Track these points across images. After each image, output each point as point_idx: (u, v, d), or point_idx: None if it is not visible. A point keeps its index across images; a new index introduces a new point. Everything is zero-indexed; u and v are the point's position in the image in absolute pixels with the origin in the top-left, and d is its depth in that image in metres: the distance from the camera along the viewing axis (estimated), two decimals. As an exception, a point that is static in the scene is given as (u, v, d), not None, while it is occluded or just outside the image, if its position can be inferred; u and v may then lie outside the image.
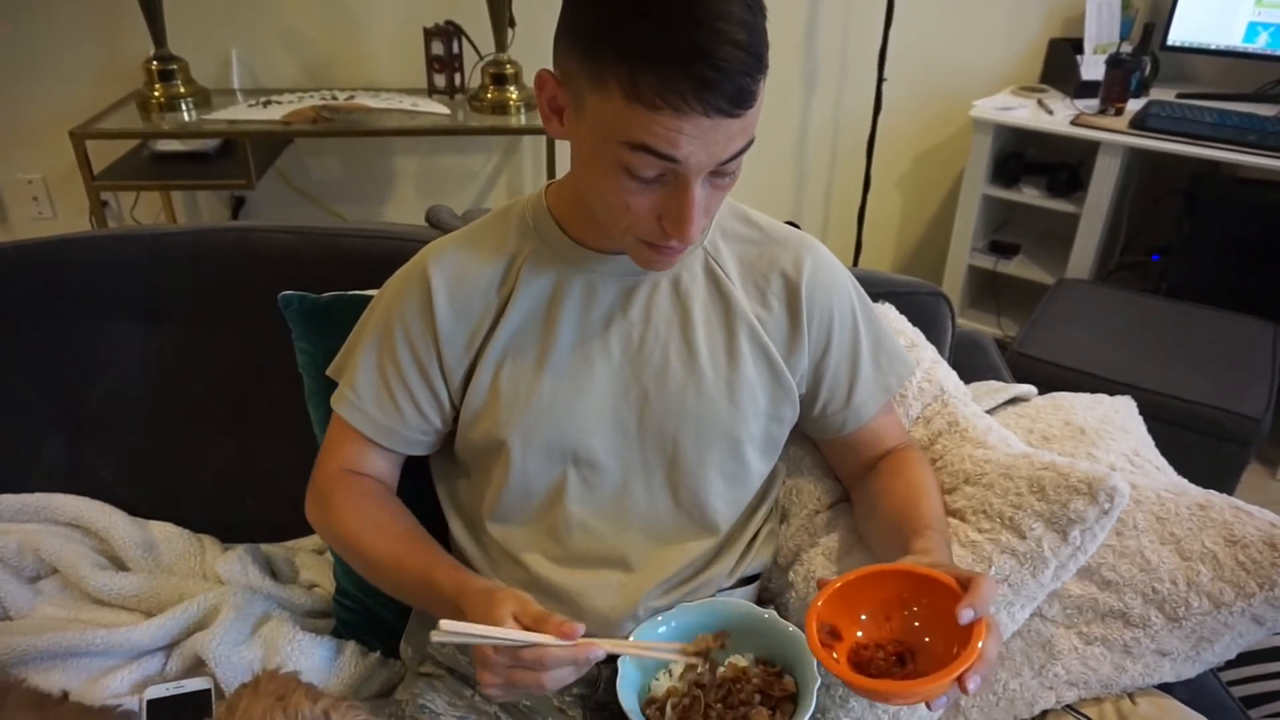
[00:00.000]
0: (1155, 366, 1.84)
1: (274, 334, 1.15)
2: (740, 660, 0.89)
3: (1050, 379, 1.53)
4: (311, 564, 1.26)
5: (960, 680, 0.68)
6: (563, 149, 2.23)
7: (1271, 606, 0.88)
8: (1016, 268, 2.52)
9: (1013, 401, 1.23)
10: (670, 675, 0.88)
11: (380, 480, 0.99)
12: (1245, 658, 0.97)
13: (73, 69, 2.48)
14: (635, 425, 0.92)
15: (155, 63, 2.26)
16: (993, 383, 1.27)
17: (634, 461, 0.93)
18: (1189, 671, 0.94)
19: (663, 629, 0.92)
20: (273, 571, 1.23)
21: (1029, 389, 1.25)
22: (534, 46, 2.33)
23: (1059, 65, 2.44)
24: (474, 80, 2.43)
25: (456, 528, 1.01)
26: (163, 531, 1.25)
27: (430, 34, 2.36)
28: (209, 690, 1.05)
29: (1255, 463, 2.20)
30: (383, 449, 0.97)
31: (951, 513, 0.97)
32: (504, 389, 0.92)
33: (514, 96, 2.31)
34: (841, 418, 0.99)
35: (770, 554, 1.04)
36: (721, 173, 0.77)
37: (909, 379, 1.08)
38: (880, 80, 2.38)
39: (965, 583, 0.72)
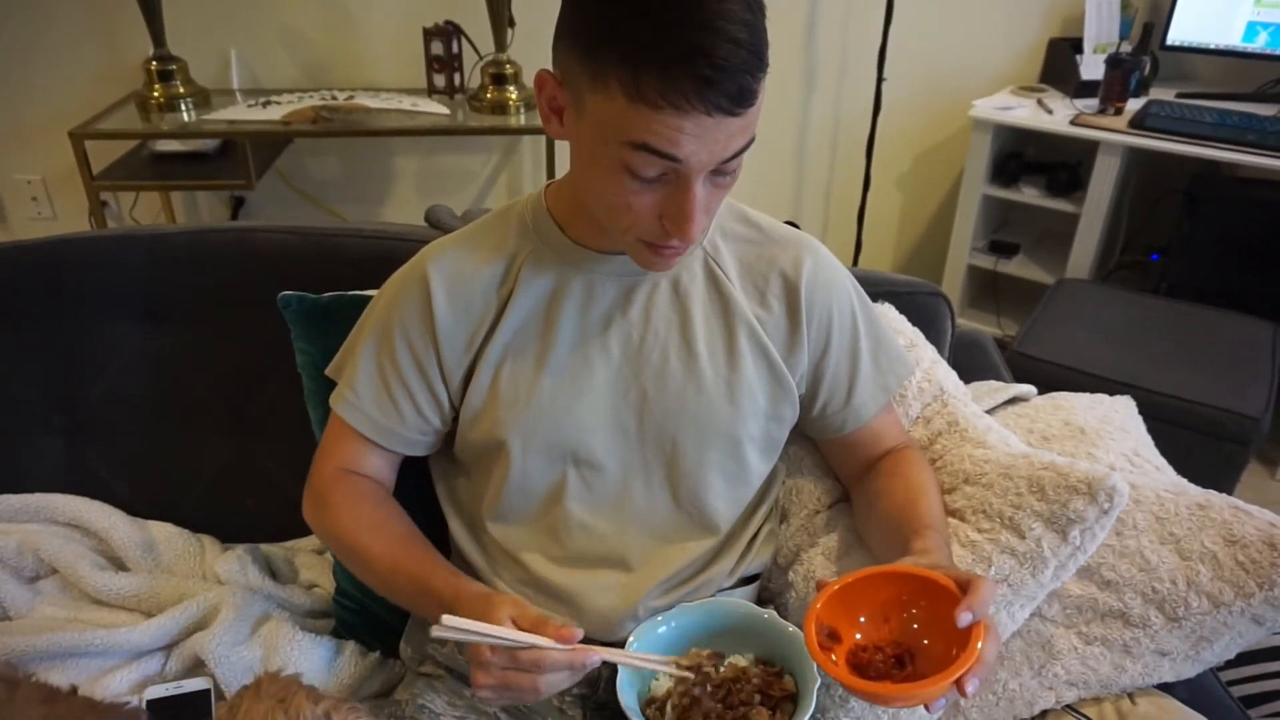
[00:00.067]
0: (1155, 366, 1.84)
1: (273, 334, 1.15)
2: (740, 660, 0.89)
3: (1050, 379, 1.53)
4: (311, 564, 1.26)
5: (959, 683, 0.68)
6: (562, 149, 2.23)
7: (1271, 606, 0.88)
8: (1016, 267, 2.52)
9: (1012, 401, 1.23)
10: (670, 676, 0.88)
11: (378, 481, 0.99)
12: (1245, 657, 0.97)
13: (72, 69, 2.48)
14: (635, 425, 0.92)
15: (154, 63, 2.26)
16: (992, 383, 1.27)
17: (634, 461, 0.93)
18: (1189, 671, 0.94)
19: (662, 629, 0.92)
20: (272, 572, 1.23)
21: (1028, 389, 1.25)
22: (534, 46, 2.33)
23: (1058, 65, 2.44)
24: (474, 80, 2.43)
25: (456, 528, 1.01)
26: (162, 531, 1.25)
27: (430, 34, 2.36)
28: (208, 690, 1.05)
29: (1255, 462, 2.20)
30: (381, 449, 0.97)
31: (951, 512, 0.97)
32: (503, 389, 0.92)
33: (514, 96, 2.31)
34: (841, 418, 0.99)
35: (770, 554, 1.04)
36: (722, 171, 0.77)
37: (908, 379, 1.08)
38: (880, 80, 2.38)
39: (964, 584, 0.72)
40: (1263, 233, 2.19)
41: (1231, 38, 2.25)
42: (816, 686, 0.83)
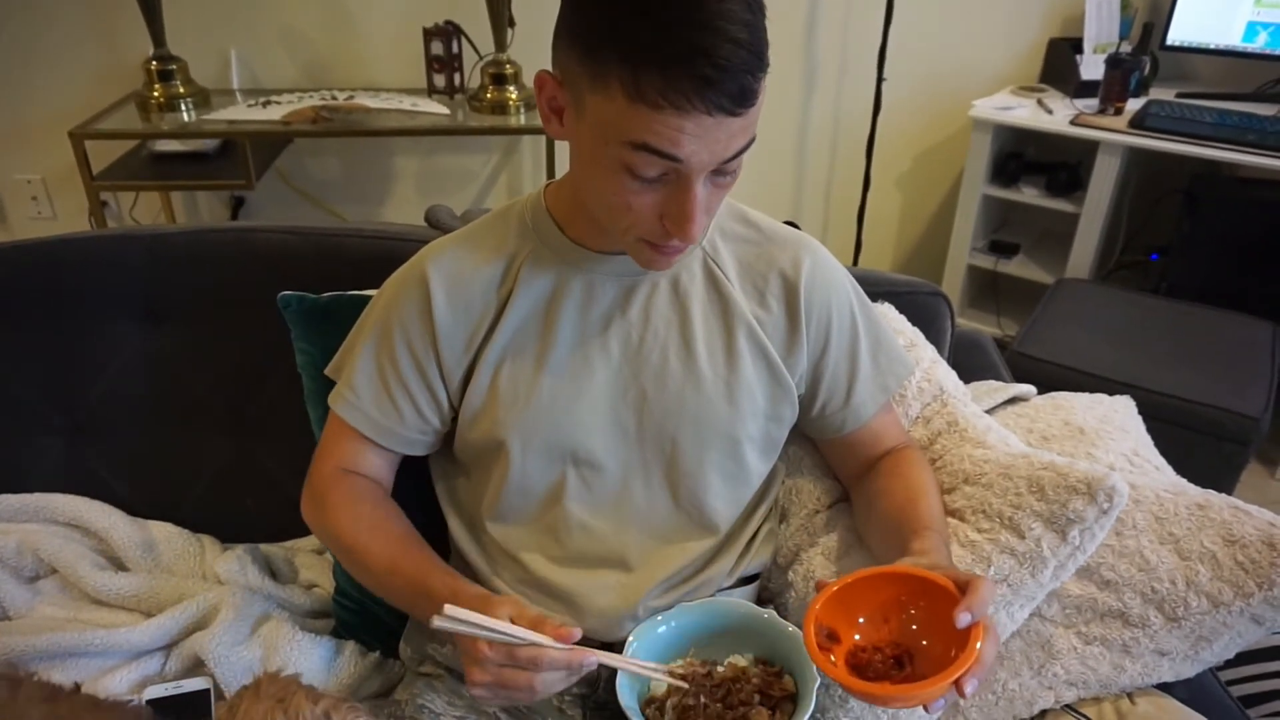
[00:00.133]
0: (1155, 366, 1.84)
1: (273, 334, 1.15)
2: (740, 660, 0.89)
3: (1050, 379, 1.53)
4: (311, 564, 1.26)
5: (957, 683, 0.68)
6: (562, 149, 2.23)
7: (1270, 606, 0.88)
8: (1016, 267, 2.52)
9: (1012, 401, 1.23)
10: (670, 676, 0.88)
11: (376, 481, 0.99)
12: (1244, 657, 0.97)
13: (72, 69, 2.48)
14: (634, 425, 0.92)
15: (154, 63, 2.26)
16: (992, 382, 1.27)
17: (633, 461, 0.93)
18: (1188, 671, 0.94)
19: (662, 629, 0.92)
20: (272, 572, 1.23)
21: (1028, 389, 1.25)
22: (534, 46, 2.33)
23: (1058, 65, 2.44)
24: (473, 80, 2.43)
25: (456, 527, 1.01)
26: (162, 531, 1.25)
27: (430, 34, 2.36)
28: (208, 690, 1.05)
29: (1254, 462, 2.20)
30: (380, 448, 0.97)
31: (951, 512, 0.97)
32: (503, 389, 0.92)
33: (513, 96, 2.31)
34: (840, 417, 0.99)
35: (770, 554, 1.04)
36: (723, 171, 0.77)
37: (908, 379, 1.08)
38: (880, 80, 2.38)
39: (963, 585, 0.72)
40: (1263, 233, 2.19)
41: (1231, 38, 2.25)
42: (816, 686, 0.83)
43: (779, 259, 0.95)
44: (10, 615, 1.15)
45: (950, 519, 0.96)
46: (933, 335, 1.19)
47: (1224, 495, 0.97)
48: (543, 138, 2.52)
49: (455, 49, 2.39)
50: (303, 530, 1.27)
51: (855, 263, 2.63)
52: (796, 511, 1.06)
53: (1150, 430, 1.19)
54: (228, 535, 1.29)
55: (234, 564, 1.18)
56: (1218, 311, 2.06)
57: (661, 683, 0.87)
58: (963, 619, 0.70)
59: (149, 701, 1.03)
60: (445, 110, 2.34)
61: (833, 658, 0.74)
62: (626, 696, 0.84)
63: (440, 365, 0.93)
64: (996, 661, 0.95)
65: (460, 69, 2.43)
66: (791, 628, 0.89)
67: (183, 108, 2.28)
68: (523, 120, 2.33)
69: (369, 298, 1.03)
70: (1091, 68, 2.32)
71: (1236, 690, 1.16)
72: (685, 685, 0.85)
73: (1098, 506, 0.88)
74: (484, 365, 0.92)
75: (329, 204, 2.75)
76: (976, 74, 2.55)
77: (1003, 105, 2.34)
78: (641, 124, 0.71)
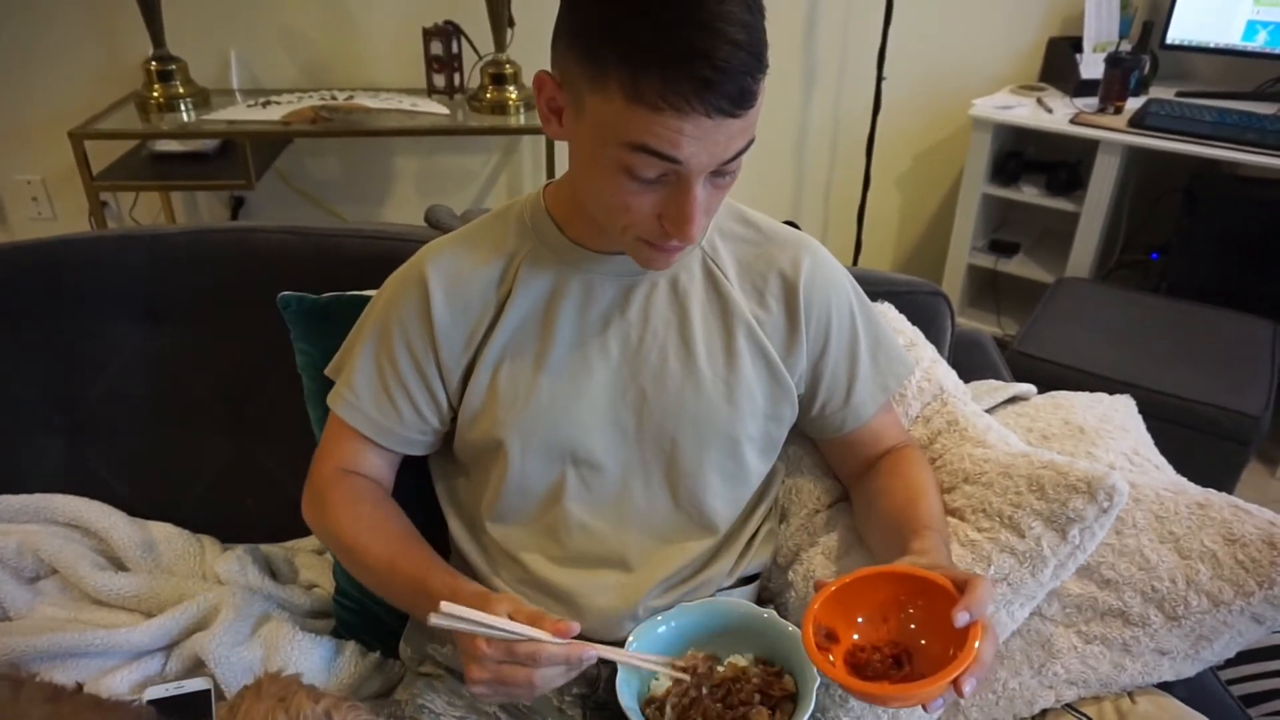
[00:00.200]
0: (1155, 365, 1.84)
1: (273, 334, 1.15)
2: (740, 660, 0.89)
3: (1050, 378, 1.53)
4: (311, 564, 1.26)
5: (956, 683, 0.68)
6: (562, 149, 2.23)
7: (1271, 605, 0.88)
8: (1016, 266, 2.52)
9: (1012, 400, 1.23)
10: (670, 676, 0.88)
11: (376, 481, 0.99)
12: (1244, 656, 0.97)
13: (72, 69, 2.48)
14: (633, 425, 0.92)
15: (154, 63, 2.26)
16: (992, 382, 1.27)
17: (633, 461, 0.93)
18: (1188, 670, 0.94)
19: (662, 629, 0.92)
20: (272, 572, 1.23)
21: (1028, 388, 1.25)
22: (533, 46, 2.33)
23: (1058, 64, 2.44)
24: (473, 80, 2.43)
25: (456, 528, 1.01)
26: (162, 532, 1.25)
27: (429, 34, 2.36)
28: (209, 691, 1.05)
29: (1255, 461, 2.20)
30: (380, 448, 0.97)
31: (951, 512, 0.97)
32: (502, 389, 0.92)
33: (513, 96, 2.31)
34: (840, 417, 0.99)
35: (769, 553, 1.04)
36: (722, 172, 0.77)
37: (908, 378, 1.08)
38: (880, 79, 2.38)
39: (962, 584, 0.72)
40: (1262, 231, 2.19)
41: (1231, 36, 2.25)
42: (816, 686, 0.83)
43: (778, 259, 0.95)
44: (11, 616, 1.15)
45: (950, 518, 0.96)
46: (933, 335, 1.19)
47: (1224, 494, 0.97)
48: (543, 138, 2.52)
49: (455, 49, 2.39)
50: (303, 530, 1.27)
51: (855, 262, 2.63)
52: (796, 511, 1.06)
53: (1150, 429, 1.19)
54: (228, 535, 1.29)
55: (234, 564, 1.18)
56: (1218, 310, 2.06)
57: (662, 683, 0.88)
58: (961, 618, 0.70)
59: (149, 702, 1.03)
60: (445, 110, 2.34)
61: (831, 658, 0.74)
62: (626, 696, 0.84)
63: (439, 365, 0.93)
64: (996, 660, 0.95)
65: (460, 69, 2.43)
66: (791, 627, 0.89)
67: (182, 108, 2.28)
68: (522, 120, 2.33)
69: (369, 298, 1.03)
70: (1091, 67, 2.32)
71: (1237, 689, 1.16)
72: (687, 678, 0.85)
73: (1098, 505, 0.88)
74: (483, 365, 0.92)
75: (329, 204, 2.75)
76: (976, 73, 2.55)
77: (1002, 104, 2.34)
78: (640, 125, 0.71)
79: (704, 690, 0.85)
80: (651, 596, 0.94)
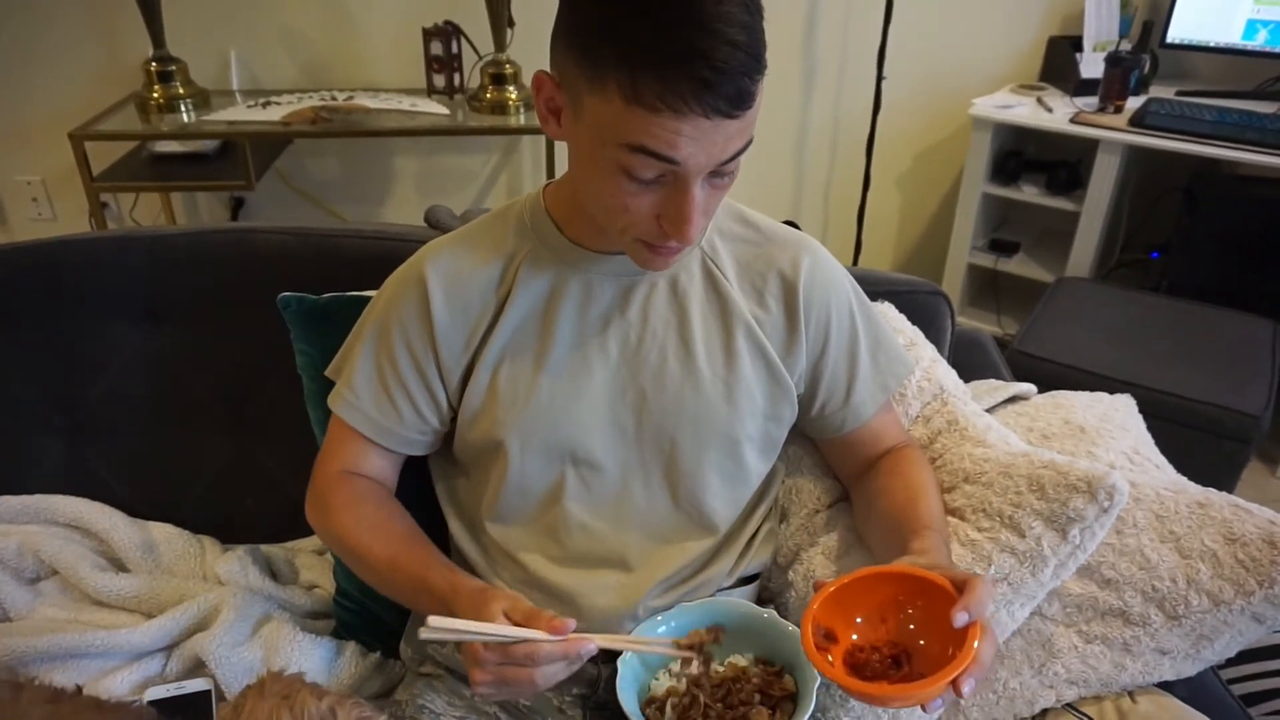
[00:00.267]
0: (1155, 364, 1.84)
1: (273, 334, 1.15)
2: (740, 660, 0.89)
3: (1050, 377, 1.53)
4: (311, 565, 1.26)
5: (955, 683, 0.68)
6: (562, 149, 2.23)
7: (1271, 604, 0.88)
8: (1016, 266, 2.52)
9: (1012, 400, 1.23)
10: (670, 675, 0.88)
11: (379, 482, 0.99)
12: (1245, 655, 0.97)
13: (72, 69, 2.48)
14: (633, 425, 0.92)
15: (154, 64, 2.26)
16: (992, 381, 1.27)
17: (632, 461, 0.93)
18: (1189, 669, 0.94)
19: (662, 629, 0.92)
20: (273, 572, 1.23)
21: (1028, 387, 1.25)
22: (533, 46, 2.33)
23: (1058, 63, 2.44)
24: (473, 80, 2.43)
25: (456, 528, 1.01)
26: (162, 532, 1.25)
27: (429, 34, 2.36)
28: (209, 691, 1.05)
29: (1255, 460, 2.20)
30: (382, 449, 0.97)
31: (951, 511, 0.97)
32: (502, 389, 0.92)
33: (513, 96, 2.31)
34: (840, 417, 0.99)
35: (769, 553, 1.04)
36: (720, 173, 0.77)
37: (908, 378, 1.08)
38: (879, 79, 2.38)
39: (961, 585, 0.72)
40: (1263, 230, 2.19)
41: (1231, 35, 2.25)
42: (816, 686, 0.83)
43: (778, 259, 0.95)
44: (11, 616, 1.15)
45: (950, 518, 0.96)
46: (933, 334, 1.19)
47: (1224, 493, 0.97)
48: (542, 138, 2.52)
49: (455, 49, 2.39)
50: (303, 531, 1.28)
51: (855, 262, 2.63)
52: (796, 511, 1.06)
53: (1150, 428, 1.19)
54: (228, 536, 1.29)
55: (235, 565, 1.19)
56: (1218, 309, 2.06)
57: (662, 683, 0.88)
58: (960, 619, 0.70)
59: (150, 702, 1.03)
60: (445, 110, 2.34)
61: (830, 658, 0.74)
62: (627, 696, 0.84)
63: (439, 365, 0.93)
64: (997, 660, 0.95)
65: (460, 69, 2.43)
66: (791, 627, 0.89)
67: (182, 109, 2.28)
68: (522, 120, 2.33)
69: (368, 298, 1.03)
70: (1091, 66, 2.32)
71: (1237, 689, 1.16)
72: (692, 656, 0.85)
73: (1098, 505, 0.88)
74: (482, 365, 0.92)
75: (329, 204, 2.75)
76: (976, 73, 2.55)
77: (1003, 104, 2.34)
78: (638, 126, 0.71)
79: (705, 688, 0.85)
80: (651, 596, 0.94)
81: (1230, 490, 1.20)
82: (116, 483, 1.28)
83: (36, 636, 1.07)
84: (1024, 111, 2.30)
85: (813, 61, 2.59)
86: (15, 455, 1.27)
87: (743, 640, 0.91)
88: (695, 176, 0.74)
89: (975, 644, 0.69)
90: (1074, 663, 0.94)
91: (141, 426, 1.28)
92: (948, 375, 1.12)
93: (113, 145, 2.29)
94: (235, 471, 1.29)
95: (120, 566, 1.22)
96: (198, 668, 1.09)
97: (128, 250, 1.26)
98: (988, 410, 1.16)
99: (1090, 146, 2.22)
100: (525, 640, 0.74)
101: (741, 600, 0.98)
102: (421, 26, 2.35)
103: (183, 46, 2.32)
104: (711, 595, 0.97)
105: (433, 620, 0.73)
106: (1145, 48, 2.31)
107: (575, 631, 0.76)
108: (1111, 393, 1.24)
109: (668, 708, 0.84)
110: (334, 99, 2.36)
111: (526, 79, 2.33)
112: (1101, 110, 2.27)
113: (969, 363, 1.28)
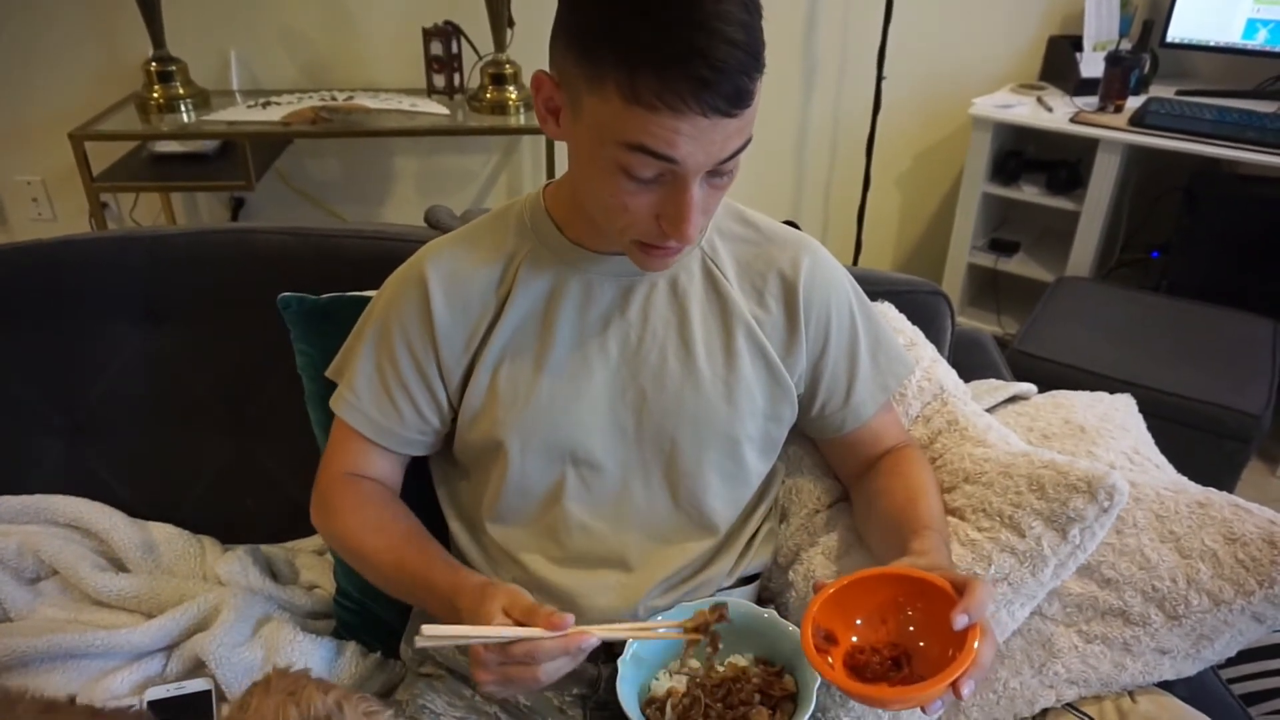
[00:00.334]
0: (1155, 364, 1.84)
1: (273, 334, 1.15)
2: (740, 660, 0.89)
3: (1050, 377, 1.53)
4: (312, 565, 1.26)
5: (954, 685, 0.68)
6: (562, 149, 2.23)
7: (1271, 604, 0.88)
8: (1016, 265, 2.52)
9: (1012, 400, 1.23)
10: (670, 675, 0.88)
11: (383, 483, 0.99)
12: (1245, 655, 0.97)
13: (72, 69, 2.48)
14: (633, 425, 0.92)
15: (154, 64, 2.26)
16: (992, 381, 1.27)
17: (632, 462, 0.93)
18: (1189, 669, 0.94)
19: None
20: (273, 572, 1.23)
21: (1028, 387, 1.25)
22: (533, 46, 2.33)
23: (1058, 63, 2.44)
24: (473, 80, 2.43)
25: (456, 529, 1.01)
26: (162, 532, 1.25)
27: (429, 34, 2.36)
28: (209, 691, 1.05)
29: (1255, 460, 2.20)
30: (384, 450, 0.97)
31: (951, 511, 0.97)
32: (502, 389, 0.92)
33: (513, 96, 2.31)
34: (840, 417, 0.99)
35: (770, 553, 1.04)
36: (719, 172, 0.77)
37: (908, 378, 1.08)
38: (879, 79, 2.38)
39: (960, 586, 0.72)
40: (1263, 230, 2.19)
41: (1231, 35, 2.25)
42: (817, 686, 0.83)
43: (778, 259, 0.95)
44: (11, 617, 1.15)
45: (950, 518, 0.96)
46: (933, 334, 1.19)
47: (1225, 493, 0.97)
48: (542, 138, 2.52)
49: (455, 49, 2.39)
50: (303, 531, 1.28)
51: (855, 262, 2.63)
52: (796, 511, 1.06)
53: (1151, 428, 1.19)
54: (228, 536, 1.29)
55: (235, 565, 1.19)
56: (1218, 309, 2.06)
57: (662, 683, 0.88)
58: (960, 620, 0.70)
59: (150, 703, 1.03)
60: (445, 110, 2.34)
61: (830, 659, 0.74)
62: (627, 697, 0.84)
63: (439, 365, 0.93)
64: (997, 660, 0.95)
65: (460, 69, 2.43)
66: (792, 627, 0.89)
67: (182, 109, 2.28)
68: (522, 120, 2.33)
69: (369, 299, 1.03)
70: (1091, 65, 2.32)
71: (1238, 688, 1.16)
72: (700, 637, 0.85)
73: (1098, 505, 0.88)
74: (483, 365, 0.92)
75: (329, 204, 2.75)
76: (976, 72, 2.55)
77: (1003, 103, 2.34)
78: (637, 125, 0.71)
79: (706, 686, 0.85)
80: (651, 597, 0.94)
81: (1230, 490, 1.20)
82: (116, 483, 1.28)
83: (36, 636, 1.07)
84: (1024, 111, 2.30)
85: (812, 61, 2.59)
86: (15, 455, 1.27)
87: (743, 640, 0.91)
88: (694, 175, 0.74)
89: (975, 646, 0.69)
90: (1074, 662, 0.94)
91: (141, 426, 1.28)
92: (948, 375, 1.12)
93: (113, 145, 2.29)
94: (235, 471, 1.29)
95: (120, 566, 1.22)
96: (198, 668, 1.09)
97: (128, 250, 1.26)
98: (988, 410, 1.16)
99: (1090, 146, 2.22)
100: (522, 639, 0.74)
101: (742, 600, 0.97)
102: (421, 26, 2.35)
103: (183, 46, 2.32)
104: (711, 595, 0.97)
105: (426, 629, 0.73)
106: (1145, 47, 2.31)
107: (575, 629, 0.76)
108: (1112, 392, 1.24)
109: (668, 708, 0.84)
110: (334, 99, 2.36)
111: (526, 79, 2.31)
112: (1101, 110, 2.26)
113: (969, 362, 1.28)
